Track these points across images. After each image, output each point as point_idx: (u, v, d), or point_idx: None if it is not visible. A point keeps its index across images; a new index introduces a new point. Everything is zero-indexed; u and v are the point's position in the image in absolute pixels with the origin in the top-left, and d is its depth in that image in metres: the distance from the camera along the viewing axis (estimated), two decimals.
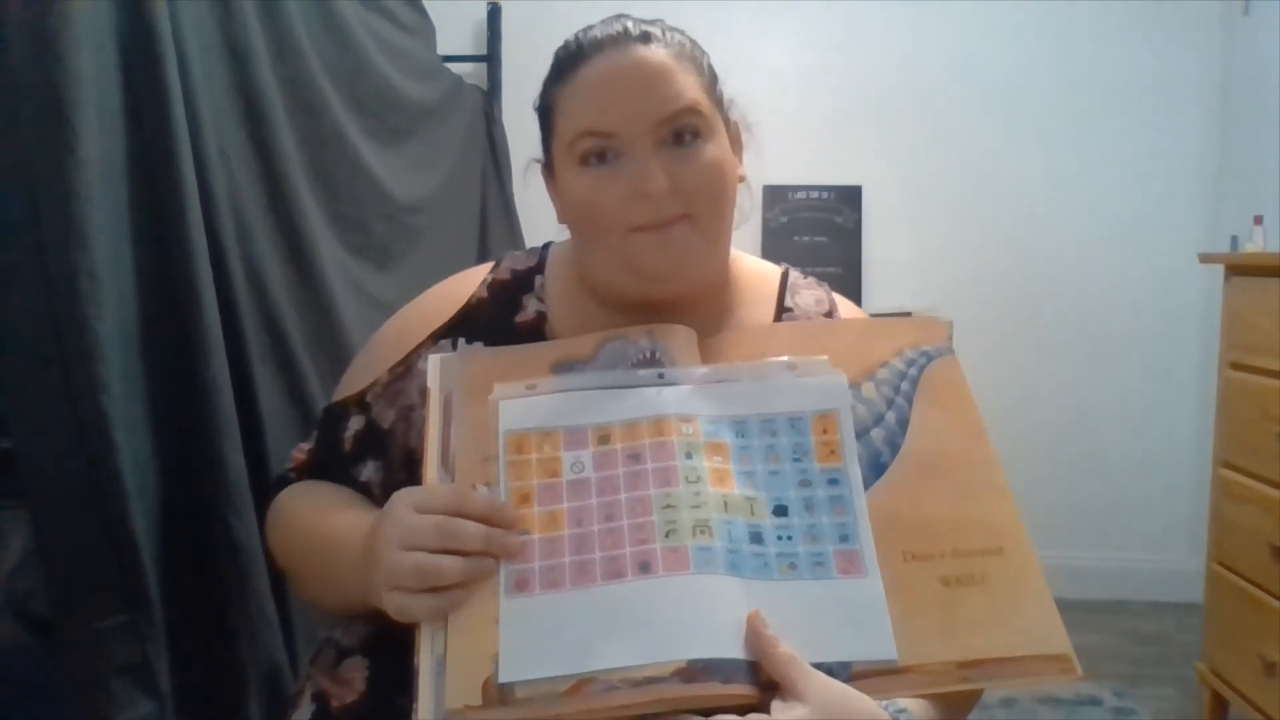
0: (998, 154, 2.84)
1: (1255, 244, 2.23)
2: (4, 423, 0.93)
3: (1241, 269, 1.93)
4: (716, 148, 0.83)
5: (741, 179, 0.89)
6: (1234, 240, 2.42)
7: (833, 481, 0.75)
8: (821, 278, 0.99)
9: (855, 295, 2.77)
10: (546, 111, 0.87)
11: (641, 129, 0.80)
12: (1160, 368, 2.83)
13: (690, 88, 0.82)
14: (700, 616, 0.67)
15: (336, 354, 1.37)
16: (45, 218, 0.90)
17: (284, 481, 0.94)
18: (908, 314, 2.65)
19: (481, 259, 0.98)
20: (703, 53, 0.87)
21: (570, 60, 0.84)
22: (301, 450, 0.95)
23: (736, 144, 0.89)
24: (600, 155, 0.81)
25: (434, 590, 0.68)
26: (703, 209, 0.82)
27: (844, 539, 0.72)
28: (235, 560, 1.06)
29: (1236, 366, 1.90)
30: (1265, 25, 2.56)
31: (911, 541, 0.72)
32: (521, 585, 0.69)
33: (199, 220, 1.06)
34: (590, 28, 0.85)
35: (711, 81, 0.87)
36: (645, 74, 0.81)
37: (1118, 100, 2.80)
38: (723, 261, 0.90)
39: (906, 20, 2.82)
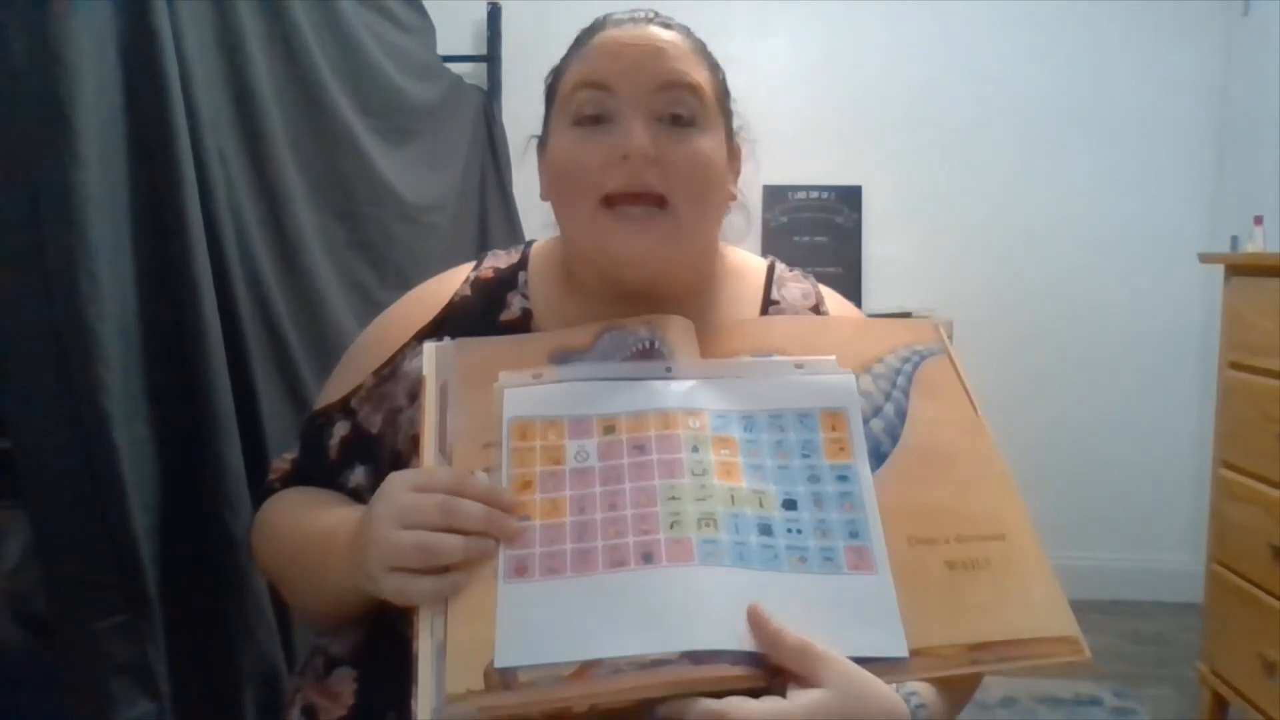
0: (997, 154, 2.84)
1: (1255, 244, 2.23)
2: (4, 423, 0.93)
3: (1241, 269, 1.92)
4: (709, 140, 0.82)
5: (732, 198, 0.89)
6: (1234, 240, 2.42)
7: (842, 478, 0.75)
8: (822, 278, 0.99)
9: (855, 295, 2.77)
10: (554, 82, 0.87)
11: (640, 90, 0.80)
12: (1160, 368, 2.83)
13: (699, 74, 0.82)
14: (704, 607, 0.66)
15: (334, 354, 1.37)
16: (45, 218, 0.90)
17: (268, 492, 0.92)
18: (907, 314, 2.65)
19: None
20: (719, 67, 0.88)
21: (587, 32, 0.85)
22: (284, 460, 0.93)
23: (735, 160, 0.89)
24: (595, 119, 0.81)
25: (434, 572, 0.67)
26: (682, 195, 0.80)
27: (854, 535, 0.72)
28: (233, 560, 1.06)
29: (1236, 366, 1.90)
30: (1265, 25, 2.56)
31: (915, 526, 0.73)
32: (520, 570, 0.68)
33: (198, 220, 1.06)
34: (615, 13, 0.86)
35: (722, 90, 0.87)
36: (656, 44, 0.82)
37: (1118, 101, 2.79)
38: (701, 257, 0.89)
39: (906, 20, 2.82)
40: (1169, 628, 2.62)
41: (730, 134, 0.88)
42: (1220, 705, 1.98)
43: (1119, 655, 2.44)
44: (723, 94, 0.87)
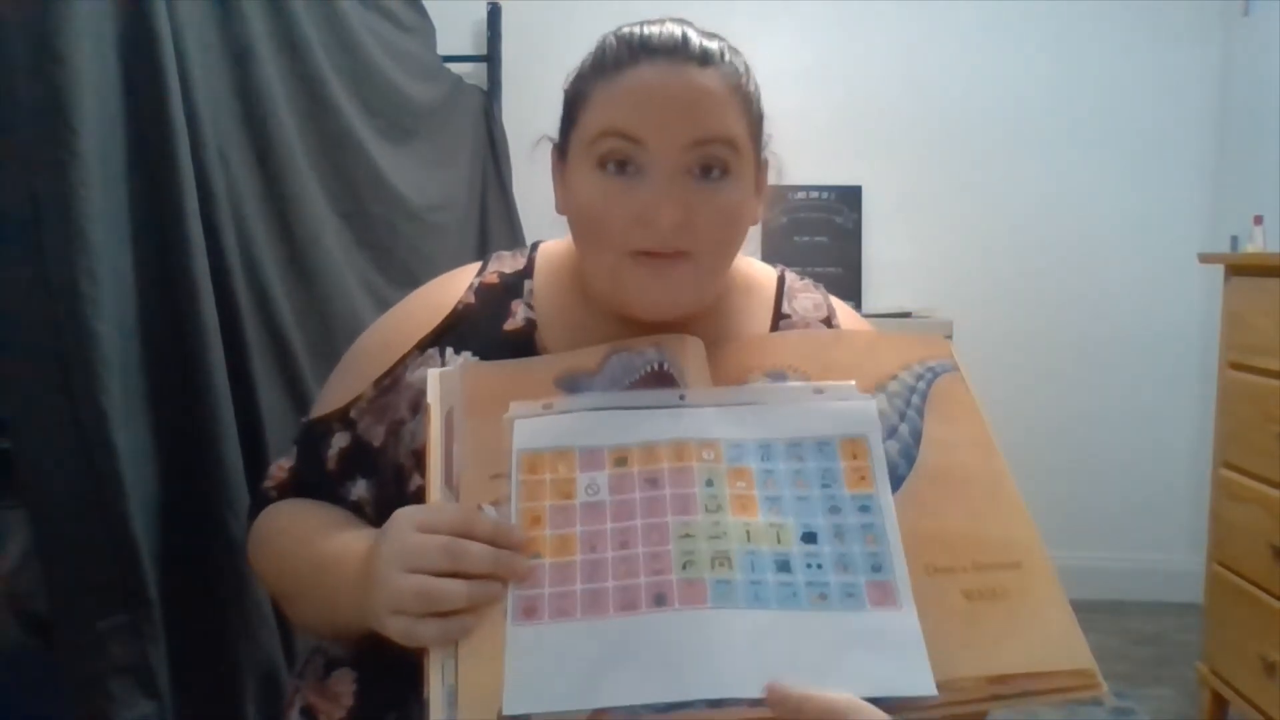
0: (998, 154, 2.84)
1: (1255, 244, 2.23)
2: (4, 423, 0.93)
3: (1241, 269, 1.93)
4: (739, 190, 0.79)
5: (755, 221, 0.85)
6: (1234, 240, 2.43)
7: (864, 508, 0.72)
8: (821, 278, 0.97)
9: (855, 295, 2.77)
10: (575, 100, 0.81)
11: (672, 147, 0.76)
12: (1160, 368, 2.83)
13: (734, 123, 0.78)
14: (718, 653, 0.64)
15: (339, 354, 1.37)
16: (45, 218, 0.90)
17: (264, 499, 0.90)
18: (907, 314, 2.65)
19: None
20: (756, 86, 0.83)
21: (617, 59, 0.78)
22: (281, 468, 0.90)
23: (762, 184, 0.85)
24: (621, 164, 0.77)
25: (439, 615, 0.65)
26: (707, 249, 0.78)
27: (876, 569, 0.69)
28: (233, 560, 1.06)
29: (1236, 366, 1.90)
30: (1265, 25, 2.56)
31: (933, 555, 0.70)
32: (530, 612, 0.66)
33: (197, 220, 1.06)
34: (648, 25, 0.80)
35: (758, 121, 0.83)
36: (693, 94, 0.76)
37: (1118, 100, 2.80)
38: (718, 290, 0.86)
39: (906, 20, 2.82)
40: (1169, 628, 2.62)
41: (760, 164, 0.84)
42: (1220, 705, 1.98)
43: (1119, 655, 2.44)
44: (758, 125, 0.83)
